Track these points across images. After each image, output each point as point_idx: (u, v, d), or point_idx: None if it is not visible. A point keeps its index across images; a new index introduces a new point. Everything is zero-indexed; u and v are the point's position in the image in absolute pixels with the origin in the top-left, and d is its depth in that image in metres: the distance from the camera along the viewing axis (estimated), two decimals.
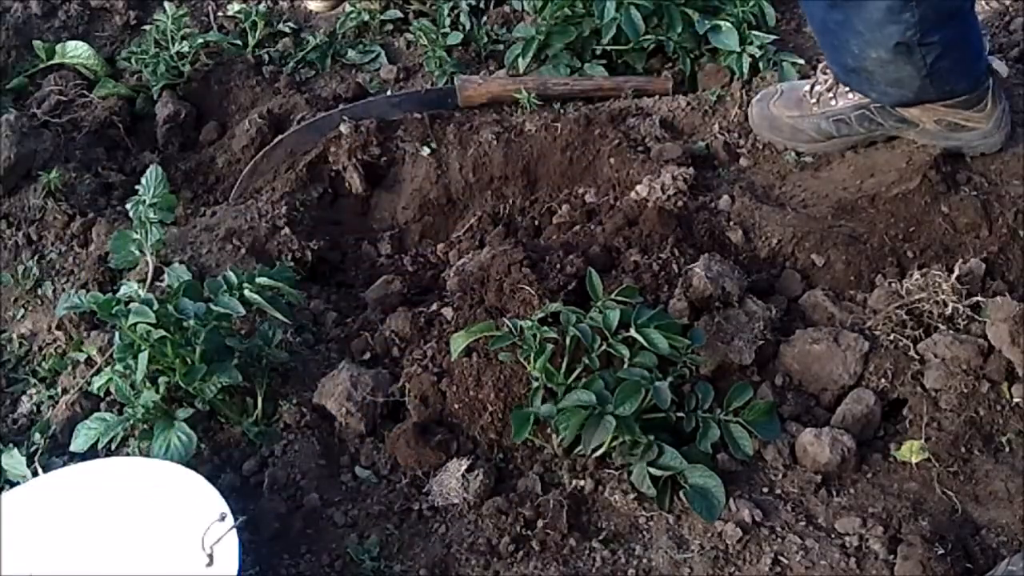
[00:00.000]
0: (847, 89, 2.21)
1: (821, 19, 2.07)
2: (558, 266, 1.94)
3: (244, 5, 2.91)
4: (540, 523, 1.67)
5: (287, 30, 2.89)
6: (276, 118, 2.59)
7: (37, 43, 2.72)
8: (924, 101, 2.10)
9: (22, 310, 2.22)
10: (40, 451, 1.93)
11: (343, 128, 2.45)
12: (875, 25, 1.93)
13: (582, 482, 1.73)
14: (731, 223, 2.12)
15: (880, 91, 2.11)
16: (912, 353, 1.83)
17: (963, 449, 1.72)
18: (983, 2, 2.63)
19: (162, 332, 1.81)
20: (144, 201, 2.07)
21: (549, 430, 1.74)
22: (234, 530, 1.57)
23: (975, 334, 1.85)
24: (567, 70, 2.59)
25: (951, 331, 1.85)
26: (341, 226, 2.42)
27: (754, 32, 2.50)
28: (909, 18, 1.90)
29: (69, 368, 2.07)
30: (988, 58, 2.16)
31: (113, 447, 1.87)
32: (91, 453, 1.86)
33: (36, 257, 2.30)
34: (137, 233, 2.09)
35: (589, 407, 1.66)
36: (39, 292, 2.23)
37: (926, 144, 2.18)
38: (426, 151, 2.43)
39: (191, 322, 1.81)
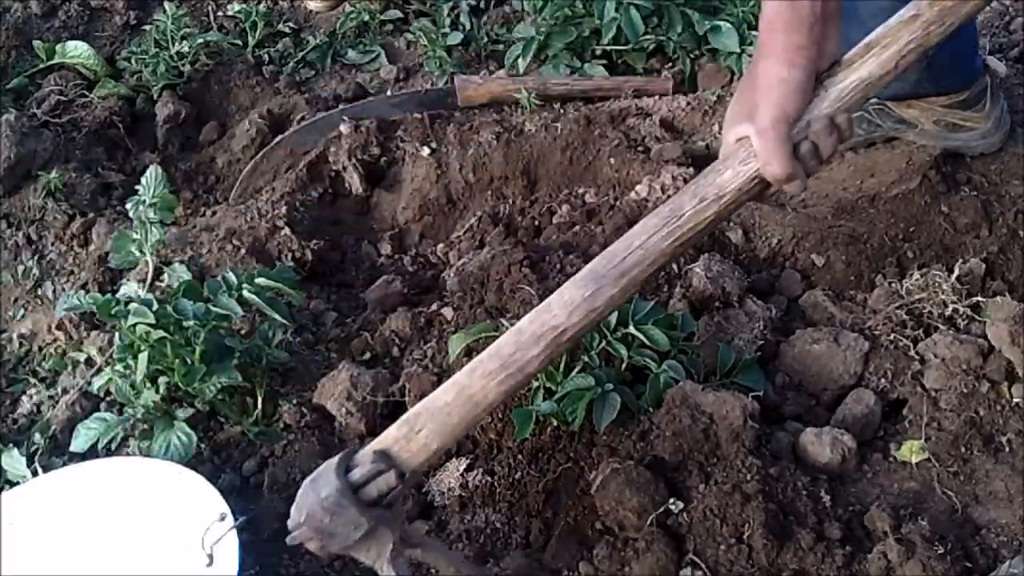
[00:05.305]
0: None
1: None
2: (558, 266, 1.94)
3: (244, 5, 2.91)
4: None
5: (287, 30, 2.90)
6: (276, 118, 2.60)
7: (37, 43, 2.73)
8: (919, 95, 2.09)
9: (22, 310, 2.22)
10: (40, 451, 1.93)
11: (343, 128, 2.45)
12: (880, 13, 1.91)
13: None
14: (731, 223, 2.12)
15: None
16: (912, 353, 1.83)
17: (963, 449, 1.72)
18: None
19: (162, 332, 1.81)
20: (144, 201, 2.07)
21: (549, 428, 1.75)
22: (234, 530, 1.57)
23: (975, 334, 1.85)
24: (567, 70, 2.59)
25: (951, 331, 1.85)
26: (341, 226, 2.42)
27: (754, 32, 2.50)
28: None
29: (69, 368, 2.08)
30: (986, 57, 2.16)
31: (113, 447, 1.87)
32: (91, 453, 1.86)
33: (36, 257, 2.30)
34: (137, 233, 2.09)
35: (591, 388, 1.68)
36: (39, 292, 2.24)
37: (925, 144, 2.17)
38: (426, 151, 2.43)
39: (191, 322, 1.81)
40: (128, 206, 2.13)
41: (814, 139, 1.31)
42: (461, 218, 2.40)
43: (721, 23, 2.50)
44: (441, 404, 1.33)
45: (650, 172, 2.26)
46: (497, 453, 1.77)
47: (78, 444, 1.86)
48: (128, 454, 1.86)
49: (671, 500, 1.58)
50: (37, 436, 1.96)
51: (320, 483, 1.32)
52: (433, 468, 1.78)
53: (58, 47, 2.71)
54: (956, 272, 1.92)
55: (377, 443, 1.35)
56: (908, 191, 2.10)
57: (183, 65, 2.68)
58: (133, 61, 2.73)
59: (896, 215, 2.07)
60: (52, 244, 2.32)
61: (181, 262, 2.12)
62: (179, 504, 1.66)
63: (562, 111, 2.52)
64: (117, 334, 1.89)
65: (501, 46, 2.76)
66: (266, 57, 2.81)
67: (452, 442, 1.36)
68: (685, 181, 2.20)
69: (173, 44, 2.68)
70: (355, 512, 1.30)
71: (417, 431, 1.32)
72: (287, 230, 2.26)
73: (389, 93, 2.65)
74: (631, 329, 1.76)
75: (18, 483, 1.85)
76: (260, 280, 1.91)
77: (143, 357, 1.81)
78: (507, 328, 1.76)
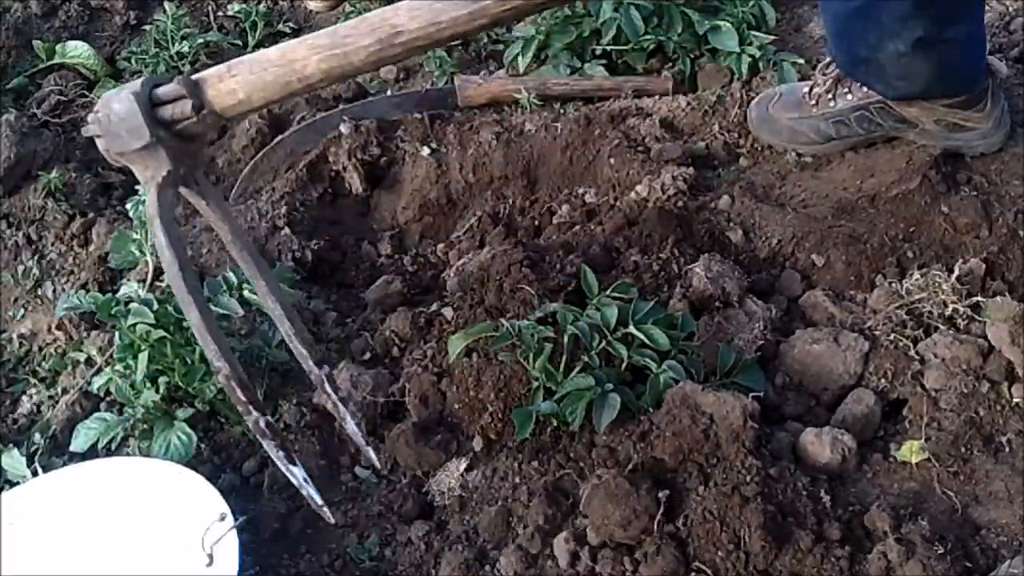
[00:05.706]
0: (846, 90, 2.20)
1: (839, 6, 2.02)
2: (558, 266, 1.94)
3: (244, 5, 2.91)
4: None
5: (287, 30, 2.90)
6: (276, 118, 2.59)
7: (37, 43, 2.73)
8: (926, 97, 2.10)
9: (22, 310, 2.22)
10: (40, 451, 1.93)
11: (343, 128, 2.45)
12: (901, 18, 1.91)
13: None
14: (731, 223, 2.12)
15: (886, 84, 2.09)
16: (912, 353, 1.83)
17: (963, 449, 1.72)
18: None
19: (162, 332, 1.81)
20: (144, 201, 2.07)
21: (550, 428, 1.75)
22: (234, 530, 1.57)
23: (975, 334, 1.85)
24: (567, 70, 2.59)
25: (951, 331, 1.85)
26: (341, 226, 2.42)
27: (754, 32, 2.50)
28: (935, 12, 1.88)
29: (69, 368, 2.08)
30: (987, 58, 2.16)
31: (113, 447, 1.87)
32: (91, 453, 1.87)
33: (36, 257, 2.30)
34: (137, 233, 2.09)
35: (591, 388, 1.68)
36: (39, 292, 2.24)
37: (926, 144, 2.17)
38: (426, 151, 2.43)
39: None
40: (128, 206, 2.13)
41: None
42: (461, 218, 2.40)
43: (721, 23, 2.50)
44: (263, 59, 1.33)
45: (650, 172, 2.26)
46: (497, 453, 1.77)
47: (78, 444, 1.86)
48: (128, 454, 1.86)
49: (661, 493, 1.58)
50: (37, 436, 1.96)
51: (127, 86, 1.33)
52: (433, 468, 1.78)
53: (58, 47, 2.71)
54: (956, 272, 1.92)
55: (195, 75, 1.36)
56: (908, 191, 2.09)
57: (183, 65, 2.68)
58: (133, 61, 2.74)
59: (896, 215, 2.07)
60: (52, 244, 2.32)
61: None
62: (179, 504, 1.66)
63: (562, 111, 2.52)
64: (117, 334, 1.89)
65: (501, 46, 2.75)
66: None
67: (259, 101, 1.35)
68: (685, 181, 2.20)
69: (173, 44, 2.69)
70: (141, 123, 1.31)
71: (232, 75, 1.33)
72: (287, 230, 2.26)
73: (389, 93, 2.65)
74: (631, 329, 1.76)
75: (18, 483, 1.85)
76: None
77: (143, 357, 1.82)
78: (507, 328, 1.77)
